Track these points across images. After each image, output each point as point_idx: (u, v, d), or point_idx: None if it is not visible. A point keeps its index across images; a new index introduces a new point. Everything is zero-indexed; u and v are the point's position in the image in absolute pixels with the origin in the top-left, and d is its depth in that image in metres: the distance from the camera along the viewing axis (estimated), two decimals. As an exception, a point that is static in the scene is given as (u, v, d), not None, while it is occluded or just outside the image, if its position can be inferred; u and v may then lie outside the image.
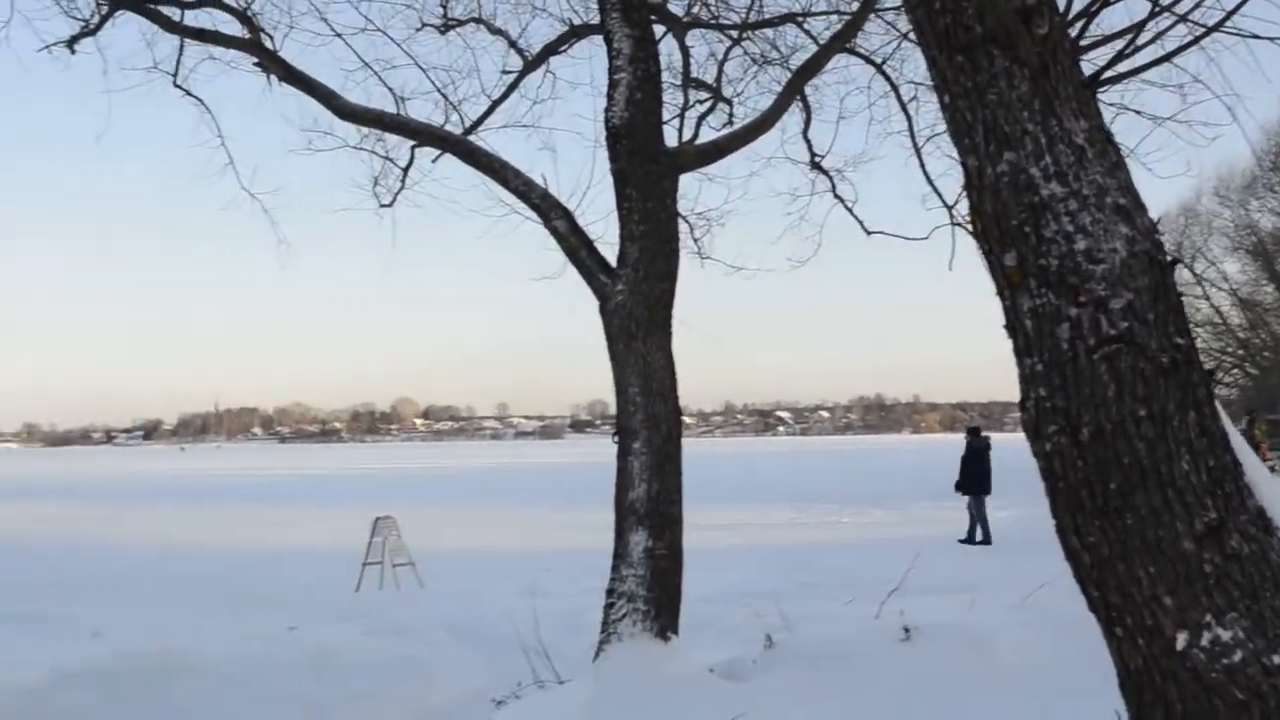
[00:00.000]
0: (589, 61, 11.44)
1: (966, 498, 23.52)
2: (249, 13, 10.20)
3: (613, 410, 8.91)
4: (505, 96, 11.76)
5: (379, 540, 19.73)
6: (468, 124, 11.63)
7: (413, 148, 11.42)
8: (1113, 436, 3.68)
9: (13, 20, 10.16)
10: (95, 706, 8.77)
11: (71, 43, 10.33)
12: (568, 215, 9.19)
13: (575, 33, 11.34)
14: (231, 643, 11.75)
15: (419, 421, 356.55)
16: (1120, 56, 4.15)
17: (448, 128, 11.16)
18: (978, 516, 23.18)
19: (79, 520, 40.26)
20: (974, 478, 23.42)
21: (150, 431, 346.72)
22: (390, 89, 11.58)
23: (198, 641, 11.91)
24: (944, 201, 12.65)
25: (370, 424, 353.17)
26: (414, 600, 16.97)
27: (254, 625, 13.60)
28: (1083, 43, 4.13)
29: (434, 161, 11.51)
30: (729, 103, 12.64)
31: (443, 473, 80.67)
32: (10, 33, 10.18)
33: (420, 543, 21.16)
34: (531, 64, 11.71)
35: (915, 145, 12.75)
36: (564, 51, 11.72)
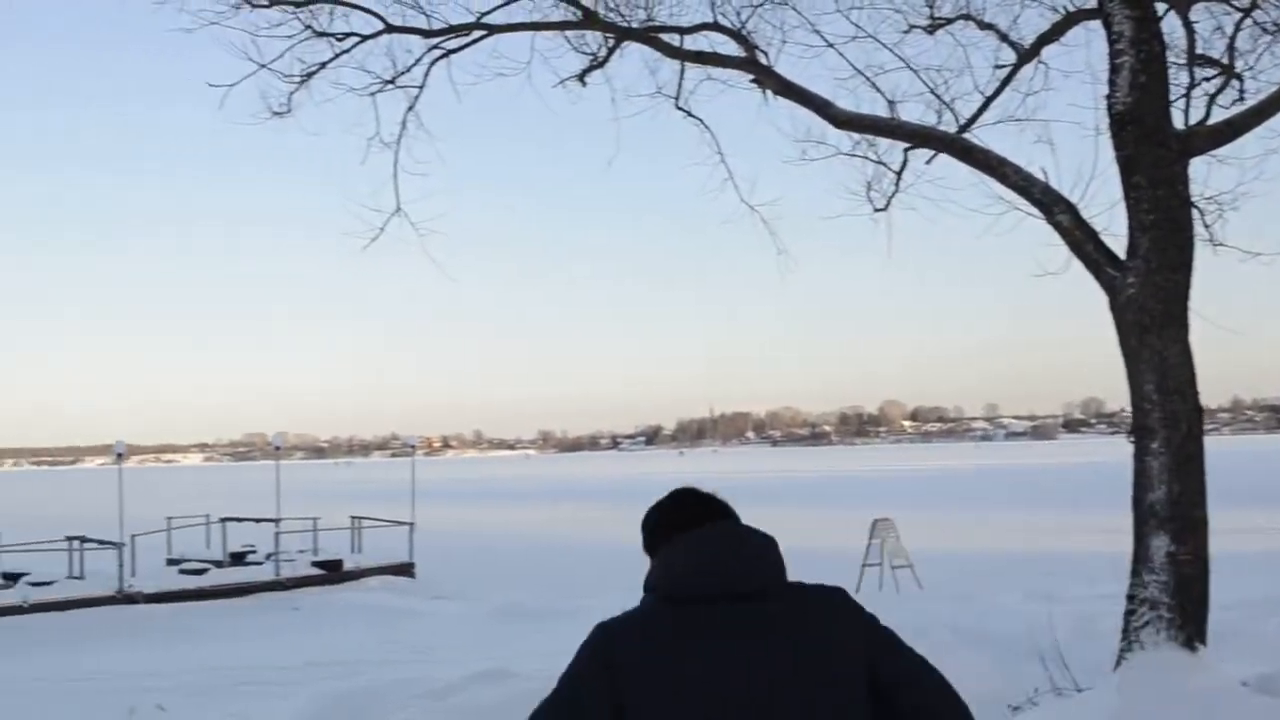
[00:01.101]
0: (1084, 48, 10.96)
1: None
2: (744, 32, 10.54)
3: (1110, 408, 8.66)
4: (999, 92, 11.47)
5: (877, 542, 19.87)
6: (961, 122, 11.45)
7: (906, 150, 11.36)
8: None
9: (533, 60, 11.00)
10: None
11: (582, 76, 11.09)
12: (1071, 209, 8.89)
13: (1070, 20, 10.92)
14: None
15: (906, 424, 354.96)
16: None
17: (941, 127, 11.06)
18: None
19: (596, 521, 43.04)
20: None
21: (651, 437, 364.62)
22: (882, 93, 11.59)
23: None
24: None
25: (858, 426, 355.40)
26: (914, 602, 16.97)
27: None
28: None
29: (928, 163, 11.40)
30: (1240, 78, 11.77)
31: (934, 475, 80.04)
32: (531, 72, 11.03)
33: (916, 544, 21.10)
34: (1024, 56, 11.38)
35: None
36: (1057, 40, 11.35)
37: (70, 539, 23.10)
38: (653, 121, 11.50)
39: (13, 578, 21.86)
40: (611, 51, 10.88)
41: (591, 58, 10.96)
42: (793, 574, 2.64)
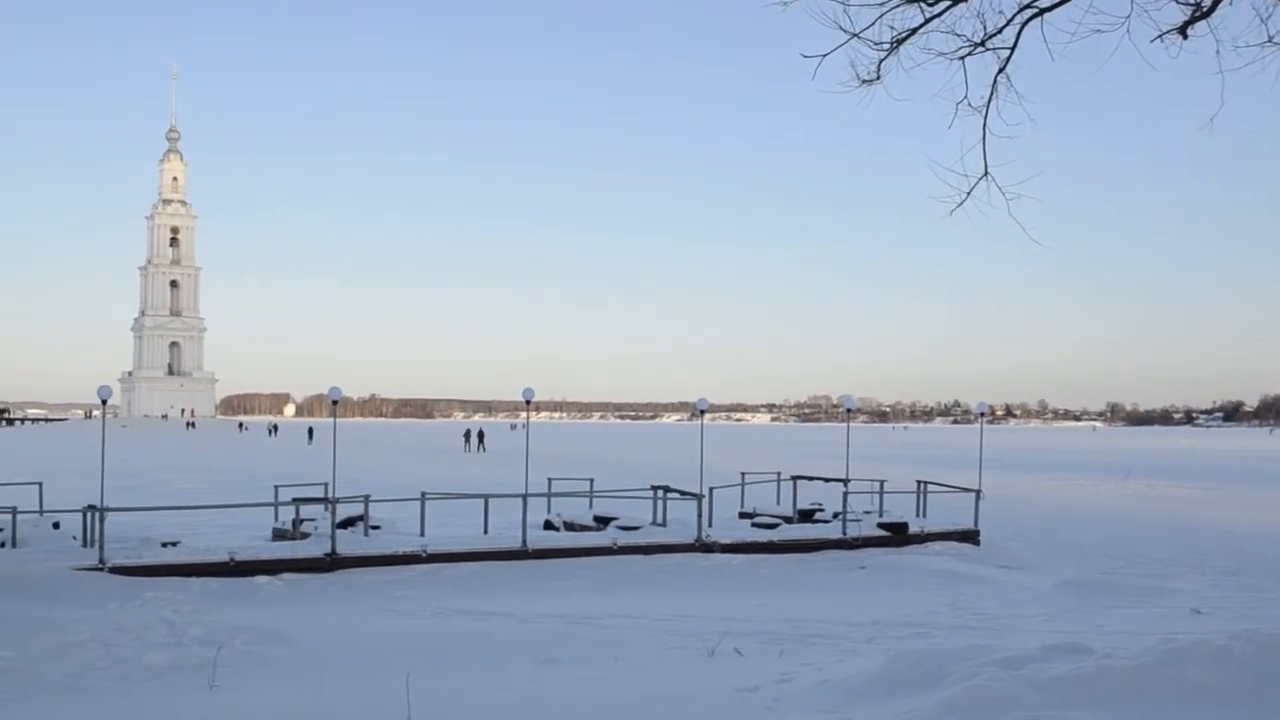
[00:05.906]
0: None
1: None
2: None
3: None
4: None
5: None
6: None
7: None
8: None
9: (1132, 14, 10.41)
10: (1201, 682, 8.75)
11: (1184, 28, 10.38)
12: None
13: None
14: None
15: None
16: None
17: None
18: None
19: (1172, 498, 40.78)
20: None
21: (1230, 413, 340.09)
22: None
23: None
24: None
25: None
26: None
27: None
28: None
29: None
30: None
31: None
32: (1130, 26, 10.45)
33: None
34: None
35: None
36: None
37: (655, 488, 24.72)
38: (1263, 73, 10.57)
39: (604, 521, 23.75)
40: (1218, 0, 10.12)
41: (1195, 8, 10.24)
42: None
